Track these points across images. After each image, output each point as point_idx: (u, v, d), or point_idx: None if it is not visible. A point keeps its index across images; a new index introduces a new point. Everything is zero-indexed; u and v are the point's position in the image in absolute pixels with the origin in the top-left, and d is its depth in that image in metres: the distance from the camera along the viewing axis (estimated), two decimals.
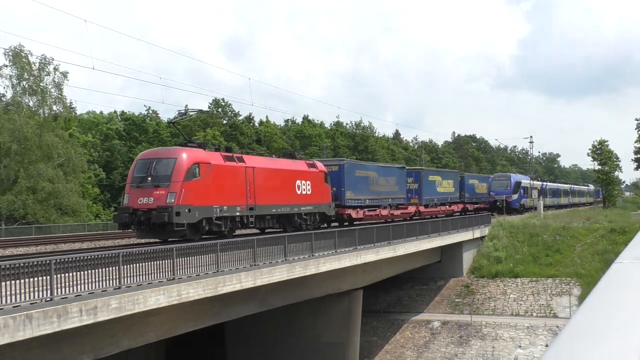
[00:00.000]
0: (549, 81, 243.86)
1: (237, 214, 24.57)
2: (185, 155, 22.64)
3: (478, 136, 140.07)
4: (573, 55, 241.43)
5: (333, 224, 33.88)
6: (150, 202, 21.62)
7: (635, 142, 71.82)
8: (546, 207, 59.29)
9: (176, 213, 21.15)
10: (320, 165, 32.81)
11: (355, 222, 34.68)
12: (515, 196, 56.30)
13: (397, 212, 39.93)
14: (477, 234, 41.35)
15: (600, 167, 69.36)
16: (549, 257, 39.50)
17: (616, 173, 73.68)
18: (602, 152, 67.36)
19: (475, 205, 55.68)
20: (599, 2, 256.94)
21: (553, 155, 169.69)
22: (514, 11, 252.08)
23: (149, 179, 22.03)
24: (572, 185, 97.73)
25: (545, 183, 73.25)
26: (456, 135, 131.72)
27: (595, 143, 67.89)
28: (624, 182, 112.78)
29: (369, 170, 38.10)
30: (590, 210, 67.49)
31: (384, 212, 37.85)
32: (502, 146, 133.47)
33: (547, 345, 29.38)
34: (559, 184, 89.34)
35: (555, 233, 42.91)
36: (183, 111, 30.12)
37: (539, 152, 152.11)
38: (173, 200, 21.40)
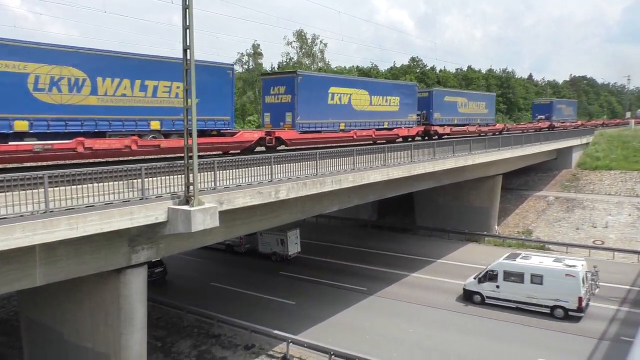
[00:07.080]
0: None
1: None
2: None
3: (588, 76, 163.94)
4: None
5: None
6: None
7: None
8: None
9: None
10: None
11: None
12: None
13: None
14: (584, 140, 48.46)
15: None
16: (635, 157, 45.53)
17: None
18: None
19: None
20: None
21: None
22: None
23: None
24: None
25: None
26: (572, 76, 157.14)
27: None
28: None
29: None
30: None
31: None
32: (605, 83, 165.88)
33: None
34: None
35: None
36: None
37: (634, 86, 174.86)
38: None
